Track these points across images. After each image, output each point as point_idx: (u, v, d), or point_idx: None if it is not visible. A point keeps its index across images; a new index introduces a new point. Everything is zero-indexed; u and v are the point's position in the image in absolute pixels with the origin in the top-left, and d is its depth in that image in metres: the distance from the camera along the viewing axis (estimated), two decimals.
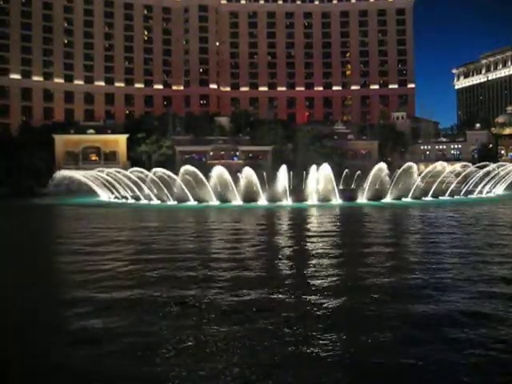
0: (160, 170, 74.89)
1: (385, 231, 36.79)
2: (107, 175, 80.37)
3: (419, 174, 75.04)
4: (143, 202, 73.09)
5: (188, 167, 71.40)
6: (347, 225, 42.83)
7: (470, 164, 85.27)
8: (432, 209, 55.24)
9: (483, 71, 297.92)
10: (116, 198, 79.13)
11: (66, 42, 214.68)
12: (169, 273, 21.40)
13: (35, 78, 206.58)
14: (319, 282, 19.09)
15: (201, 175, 69.01)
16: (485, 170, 78.43)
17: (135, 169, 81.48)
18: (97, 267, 22.89)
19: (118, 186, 79.36)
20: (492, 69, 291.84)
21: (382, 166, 72.60)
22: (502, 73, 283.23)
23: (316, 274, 20.61)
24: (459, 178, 78.25)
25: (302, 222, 44.57)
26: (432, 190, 70.56)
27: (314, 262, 23.31)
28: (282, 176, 66.42)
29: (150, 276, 20.85)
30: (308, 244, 29.36)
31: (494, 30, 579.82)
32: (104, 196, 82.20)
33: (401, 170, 72.99)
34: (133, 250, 29.30)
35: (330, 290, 17.77)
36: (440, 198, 69.30)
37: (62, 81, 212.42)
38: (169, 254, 26.64)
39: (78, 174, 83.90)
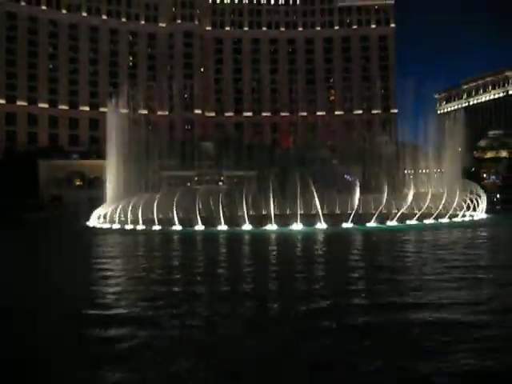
0: None
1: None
2: None
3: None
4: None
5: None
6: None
7: None
8: (403, 232, 55.67)
9: (464, 96, 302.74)
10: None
11: (50, 66, 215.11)
12: None
13: (19, 103, 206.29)
14: None
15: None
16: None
17: None
18: None
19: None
20: (473, 94, 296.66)
21: None
22: (483, 98, 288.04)
23: None
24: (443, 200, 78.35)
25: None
26: (419, 213, 70.75)
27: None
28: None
29: None
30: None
31: (478, 53, 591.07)
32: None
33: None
34: None
35: None
36: (424, 221, 69.51)
37: (46, 105, 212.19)
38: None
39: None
